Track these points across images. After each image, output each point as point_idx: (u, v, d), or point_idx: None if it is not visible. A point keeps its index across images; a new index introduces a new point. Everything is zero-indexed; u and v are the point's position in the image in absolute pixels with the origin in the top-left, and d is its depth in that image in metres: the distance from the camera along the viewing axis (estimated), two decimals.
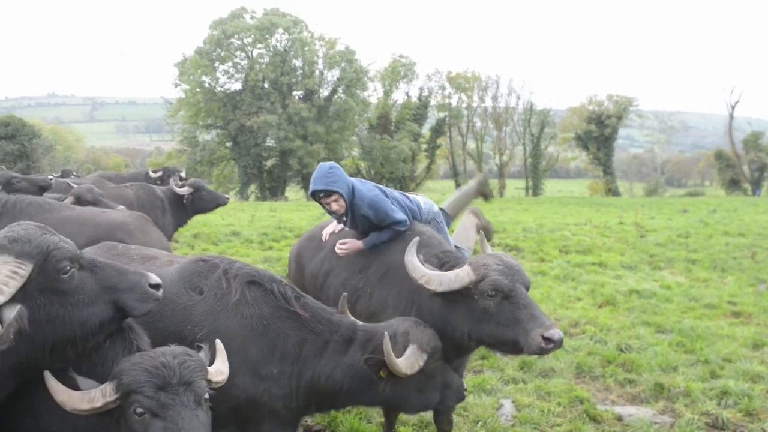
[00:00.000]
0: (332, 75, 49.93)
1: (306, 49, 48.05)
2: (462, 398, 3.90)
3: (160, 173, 14.18)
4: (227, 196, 11.94)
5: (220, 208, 11.62)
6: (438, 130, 55.39)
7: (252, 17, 48.86)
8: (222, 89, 48.84)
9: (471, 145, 59.46)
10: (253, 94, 46.87)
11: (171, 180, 11.28)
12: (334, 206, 4.76)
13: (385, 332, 3.61)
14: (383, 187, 5.09)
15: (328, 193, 4.70)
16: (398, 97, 54.64)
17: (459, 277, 3.90)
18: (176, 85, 49.19)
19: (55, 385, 2.76)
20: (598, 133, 54.61)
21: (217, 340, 3.28)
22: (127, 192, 10.16)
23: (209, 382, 2.92)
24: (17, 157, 33.05)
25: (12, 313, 2.52)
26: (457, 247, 5.19)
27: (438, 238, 4.83)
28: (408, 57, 54.34)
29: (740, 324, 8.45)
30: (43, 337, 2.73)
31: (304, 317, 3.70)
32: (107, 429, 2.81)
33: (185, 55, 48.55)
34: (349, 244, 4.86)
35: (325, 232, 5.40)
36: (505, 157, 59.57)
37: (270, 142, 47.31)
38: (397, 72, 53.19)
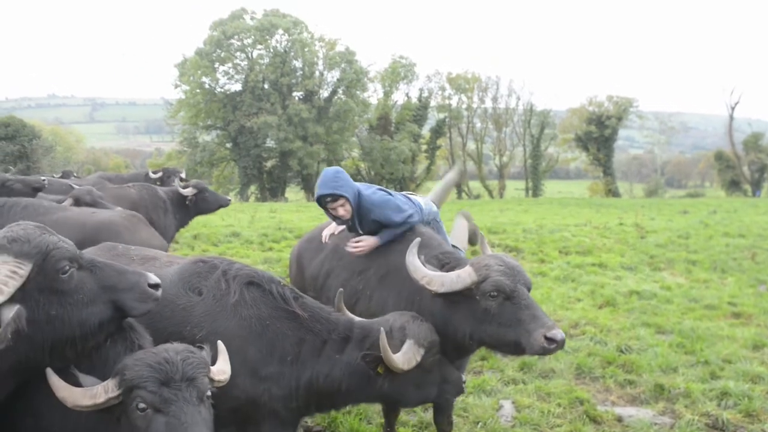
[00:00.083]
0: (332, 76, 49.97)
1: (306, 50, 48.05)
2: (461, 391, 3.91)
3: (160, 174, 14.20)
4: (229, 197, 11.99)
5: (221, 209, 11.65)
6: (438, 131, 55.37)
7: (252, 18, 48.86)
8: (222, 90, 48.83)
9: (471, 146, 59.46)
10: (253, 95, 46.87)
11: (175, 181, 11.32)
12: (341, 211, 4.70)
13: (381, 328, 3.62)
14: (384, 188, 5.11)
15: (335, 198, 4.64)
16: (398, 98, 54.70)
17: (461, 278, 3.90)
18: (176, 86, 49.23)
19: (57, 382, 2.76)
20: (598, 134, 54.58)
21: (219, 342, 3.29)
22: (129, 192, 10.18)
23: (211, 380, 2.92)
24: (17, 158, 33.05)
25: (10, 313, 2.53)
26: (454, 246, 5.20)
27: (438, 239, 4.84)
28: (408, 58, 54.40)
29: (740, 325, 8.45)
30: (42, 337, 2.74)
31: (302, 317, 3.71)
32: (107, 428, 2.82)
33: (185, 55, 48.61)
34: (364, 242, 4.80)
35: (325, 234, 5.39)
36: (505, 158, 59.57)
37: (270, 143, 47.29)
38: (397, 73, 53.18)
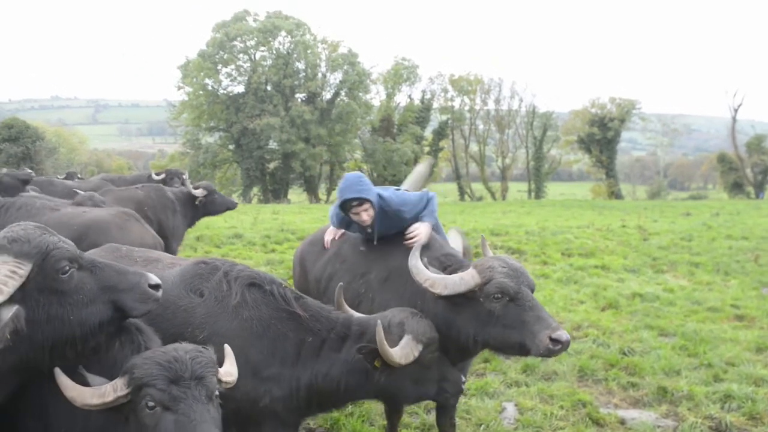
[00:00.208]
0: (335, 78, 50.02)
1: (309, 51, 48.11)
2: (460, 392, 3.89)
3: (162, 176, 14.24)
4: (235, 200, 12.12)
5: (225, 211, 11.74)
6: (440, 133, 55.36)
7: (255, 20, 48.95)
8: (225, 92, 48.90)
9: (473, 147, 59.44)
10: (256, 97, 46.91)
11: (186, 182, 11.38)
12: (364, 216, 4.70)
13: (378, 321, 3.64)
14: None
15: (361, 202, 4.65)
16: (401, 99, 54.75)
17: (464, 280, 3.90)
18: (179, 88, 49.37)
19: (65, 381, 2.76)
20: (601, 135, 54.53)
21: (226, 345, 3.30)
22: (136, 193, 10.21)
23: (219, 381, 2.93)
24: (21, 159, 33.16)
25: (9, 313, 2.53)
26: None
27: (440, 242, 4.85)
28: (410, 60, 54.48)
29: (743, 327, 8.44)
30: (42, 337, 2.74)
31: (303, 317, 3.72)
32: (116, 427, 2.81)
33: (188, 57, 48.74)
34: (419, 229, 4.79)
35: (327, 240, 5.40)
36: (507, 160, 59.54)
37: (273, 144, 47.34)
38: (400, 75, 53.22)
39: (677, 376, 6.60)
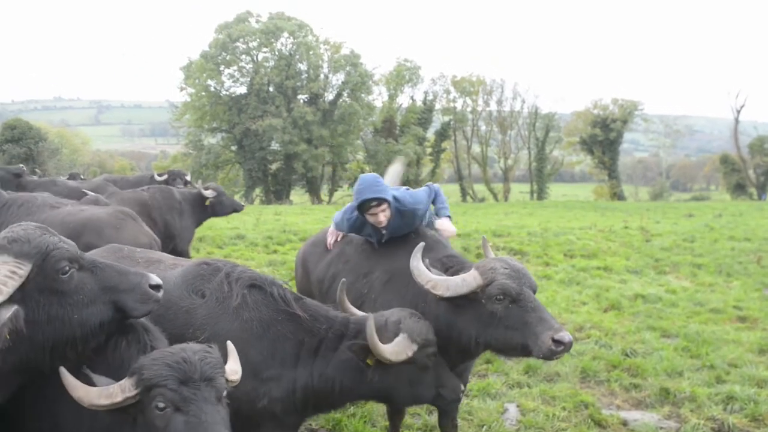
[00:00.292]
0: (337, 79, 49.98)
1: (311, 53, 48.10)
2: (458, 399, 3.86)
3: (165, 176, 14.27)
4: (242, 203, 12.26)
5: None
6: (443, 134, 55.33)
7: (257, 21, 48.95)
8: (227, 93, 48.89)
9: (476, 148, 59.43)
10: (258, 98, 46.92)
11: (197, 183, 11.51)
12: (381, 216, 4.70)
13: (371, 315, 3.64)
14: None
15: (380, 202, 4.65)
16: (403, 101, 54.69)
17: (466, 281, 3.90)
18: (182, 89, 49.36)
19: (71, 381, 2.75)
20: (603, 137, 54.47)
21: (228, 342, 3.30)
22: (141, 195, 10.25)
23: (226, 381, 2.93)
24: (24, 160, 33.22)
25: (8, 313, 2.54)
26: None
27: (442, 243, 4.85)
28: (413, 61, 54.34)
29: (746, 329, 8.43)
30: (42, 337, 2.75)
31: (303, 318, 3.72)
32: (122, 428, 2.81)
33: (191, 58, 48.69)
34: (446, 225, 5.08)
35: (329, 242, 5.40)
36: (509, 161, 59.50)
37: (275, 145, 47.34)
38: (402, 76, 53.18)
39: (680, 377, 6.60)
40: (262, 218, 20.63)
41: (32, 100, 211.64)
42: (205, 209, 11.01)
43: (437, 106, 55.75)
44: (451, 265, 4.39)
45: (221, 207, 11.26)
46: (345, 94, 49.39)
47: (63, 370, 2.78)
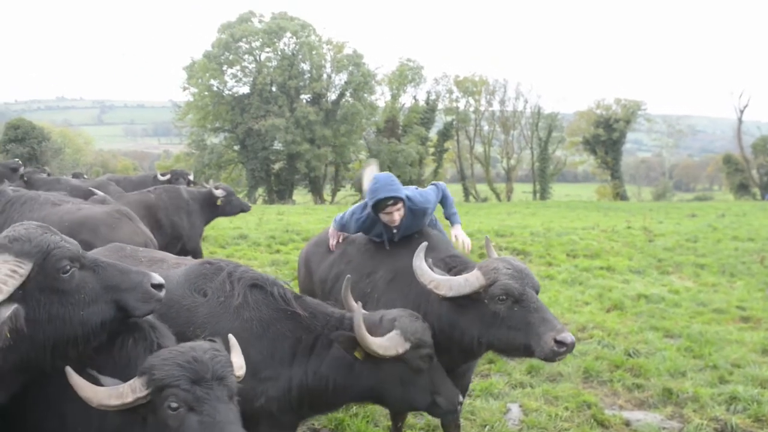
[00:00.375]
0: (340, 79, 49.99)
1: (314, 52, 48.12)
2: (454, 410, 3.76)
3: (168, 176, 14.31)
4: (249, 204, 12.42)
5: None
6: (445, 134, 55.33)
7: (260, 21, 48.98)
8: (230, 93, 48.94)
9: (478, 148, 59.38)
10: (261, 98, 46.95)
11: (210, 182, 11.66)
12: (396, 215, 4.68)
13: (359, 303, 3.63)
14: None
15: (396, 201, 4.64)
16: (406, 100, 54.71)
17: (469, 281, 3.90)
18: (184, 89, 49.39)
19: (79, 382, 2.74)
20: (606, 137, 54.39)
21: (230, 335, 3.30)
22: (147, 197, 10.31)
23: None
24: (27, 160, 33.23)
25: (8, 311, 2.54)
26: None
27: (445, 243, 4.85)
28: (415, 61, 54.36)
29: (749, 329, 8.42)
30: (43, 336, 2.74)
31: (302, 316, 3.72)
32: (132, 428, 2.80)
33: (194, 58, 48.74)
34: (461, 235, 5.20)
35: (332, 243, 5.40)
36: (512, 161, 59.46)
37: (278, 145, 47.35)
38: (405, 76, 53.18)
39: (682, 377, 6.59)
40: (264, 218, 20.64)
41: (35, 100, 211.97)
42: (213, 208, 11.10)
43: (440, 105, 55.78)
44: (454, 265, 4.39)
45: (230, 207, 11.39)
46: (348, 94, 49.41)
47: (70, 371, 2.76)
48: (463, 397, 4.93)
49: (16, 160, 10.94)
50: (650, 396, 6.20)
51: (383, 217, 4.72)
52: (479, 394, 6.16)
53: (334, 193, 51.94)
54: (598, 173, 60.20)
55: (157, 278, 3.06)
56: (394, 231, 4.83)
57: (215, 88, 48.59)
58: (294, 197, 48.97)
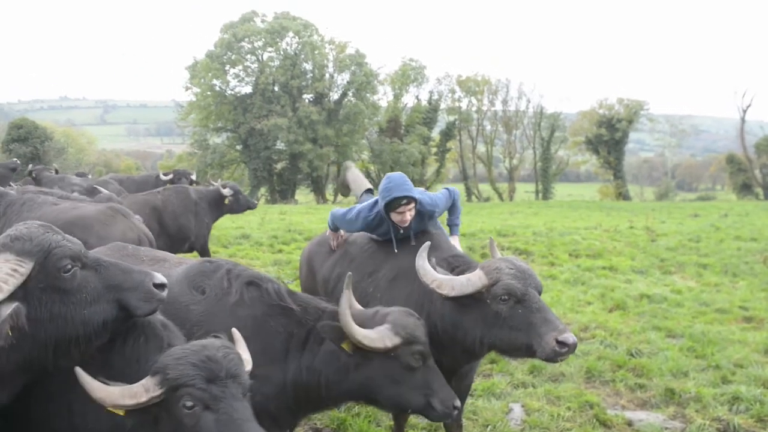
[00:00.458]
0: (342, 78, 49.94)
1: (316, 52, 48.10)
2: (449, 414, 3.61)
3: (170, 176, 14.35)
4: (255, 201, 12.59)
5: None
6: (448, 134, 55.25)
7: (262, 21, 48.97)
8: (232, 92, 48.95)
9: (481, 148, 59.30)
10: (264, 98, 46.96)
11: (218, 181, 11.85)
12: (408, 215, 4.68)
13: (348, 291, 3.60)
14: None
15: (410, 200, 4.64)
16: (408, 100, 54.58)
17: (471, 281, 3.90)
18: (187, 89, 49.38)
19: (91, 383, 2.73)
20: (609, 136, 54.28)
21: (234, 329, 3.30)
22: (154, 199, 10.45)
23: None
24: (30, 160, 33.32)
25: (8, 310, 2.55)
26: (368, 191, 5.40)
27: (448, 242, 4.85)
28: (418, 61, 54.24)
29: (752, 329, 8.41)
30: (45, 336, 2.74)
31: (295, 311, 3.71)
32: (142, 426, 2.80)
33: (196, 58, 48.73)
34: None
35: (333, 245, 5.40)
36: (515, 161, 59.36)
37: (280, 145, 47.32)
38: (407, 75, 53.11)
39: (685, 377, 6.59)
40: (267, 218, 20.66)
41: (38, 100, 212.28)
42: (221, 207, 11.33)
43: (442, 105, 55.66)
44: (457, 265, 4.39)
45: (238, 205, 11.60)
46: (350, 94, 49.35)
47: (80, 372, 2.75)
48: (466, 397, 4.95)
49: (15, 160, 11.15)
50: (653, 396, 6.20)
51: (394, 217, 4.70)
52: (481, 394, 6.16)
53: (336, 192, 51.93)
54: (600, 173, 60.06)
55: (159, 278, 3.06)
56: (401, 231, 4.82)
57: (218, 88, 48.60)
58: (296, 197, 48.96)
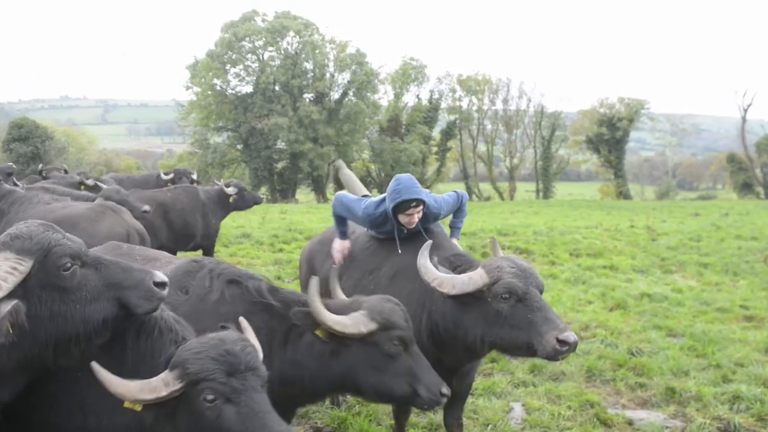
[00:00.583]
0: (343, 78, 49.93)
1: (317, 51, 48.10)
2: (437, 401, 3.55)
3: (171, 175, 14.37)
4: (261, 196, 12.72)
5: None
6: (448, 133, 55.24)
7: (263, 20, 48.95)
8: (233, 92, 48.95)
9: (481, 148, 59.29)
10: (264, 97, 46.96)
11: (221, 182, 12.00)
12: (416, 217, 4.67)
13: (314, 277, 3.58)
14: None
15: (419, 203, 4.62)
16: (409, 99, 54.56)
17: (472, 279, 3.90)
18: (188, 88, 49.39)
19: (109, 377, 2.74)
20: (609, 135, 54.28)
21: (241, 318, 3.32)
22: (163, 196, 10.69)
23: None
24: (30, 159, 33.42)
25: (7, 306, 2.55)
26: (365, 196, 5.38)
27: (449, 241, 4.85)
28: (419, 60, 54.20)
29: (752, 328, 8.41)
30: (45, 334, 2.75)
31: (276, 307, 3.69)
32: (158, 422, 2.81)
33: (197, 57, 48.75)
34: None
35: (338, 257, 5.19)
36: (515, 160, 59.36)
37: (281, 144, 47.32)
38: (408, 75, 53.10)
39: (685, 376, 6.59)
40: (267, 217, 20.69)
41: (39, 99, 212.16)
42: (227, 206, 11.48)
43: (443, 105, 55.65)
44: (458, 264, 4.38)
45: (243, 202, 11.71)
46: (351, 93, 49.34)
47: (97, 367, 2.75)
48: (466, 396, 4.95)
49: (10, 164, 11.37)
50: (653, 395, 6.20)
51: (402, 218, 4.67)
52: (482, 393, 6.16)
53: (336, 192, 51.88)
54: (601, 172, 60.04)
55: (160, 276, 3.05)
56: (405, 231, 4.81)
57: (218, 87, 48.61)
58: (297, 196, 48.98)
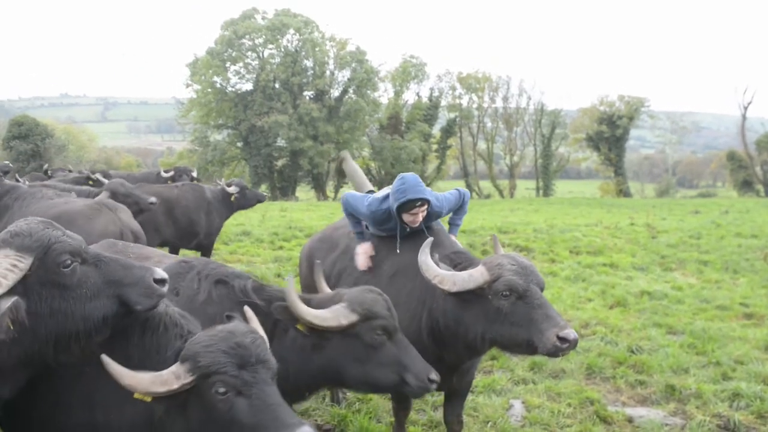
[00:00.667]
0: (343, 75, 49.87)
1: (317, 49, 48.05)
2: (425, 388, 3.54)
3: (171, 173, 14.36)
4: (264, 194, 12.76)
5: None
6: (448, 131, 55.20)
7: (263, 18, 48.89)
8: (233, 89, 48.90)
9: (481, 145, 59.23)
10: (264, 95, 46.92)
11: (222, 182, 12.12)
12: (420, 216, 4.66)
13: (291, 275, 3.60)
14: None
15: (424, 202, 4.60)
16: (409, 97, 54.50)
17: (473, 277, 3.90)
18: (188, 86, 49.32)
19: (120, 370, 2.75)
20: (609, 133, 54.26)
21: (246, 308, 3.33)
22: (171, 192, 10.81)
23: None
24: (30, 157, 33.43)
25: (7, 303, 2.56)
26: (370, 191, 5.34)
27: (450, 239, 4.85)
28: (419, 57, 54.13)
29: (752, 326, 8.42)
30: (45, 330, 2.75)
31: (260, 306, 3.68)
32: (169, 414, 2.81)
33: (197, 55, 48.67)
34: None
35: (361, 263, 5.02)
36: (515, 158, 59.31)
37: (281, 142, 47.28)
38: (408, 72, 53.06)
39: (685, 374, 6.60)
40: (267, 214, 20.68)
41: (39, 97, 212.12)
42: (230, 205, 11.55)
43: (443, 102, 55.60)
44: (459, 262, 4.38)
45: (245, 200, 11.77)
46: (351, 91, 49.31)
47: (108, 360, 2.76)
48: (467, 393, 4.95)
49: (6, 163, 11.59)
50: (653, 392, 6.20)
51: (406, 218, 4.65)
52: (482, 390, 6.17)
53: (336, 189, 51.88)
54: (601, 170, 60.01)
55: (160, 273, 3.05)
56: (407, 229, 4.81)
57: (218, 85, 48.56)
58: (297, 194, 48.94)
